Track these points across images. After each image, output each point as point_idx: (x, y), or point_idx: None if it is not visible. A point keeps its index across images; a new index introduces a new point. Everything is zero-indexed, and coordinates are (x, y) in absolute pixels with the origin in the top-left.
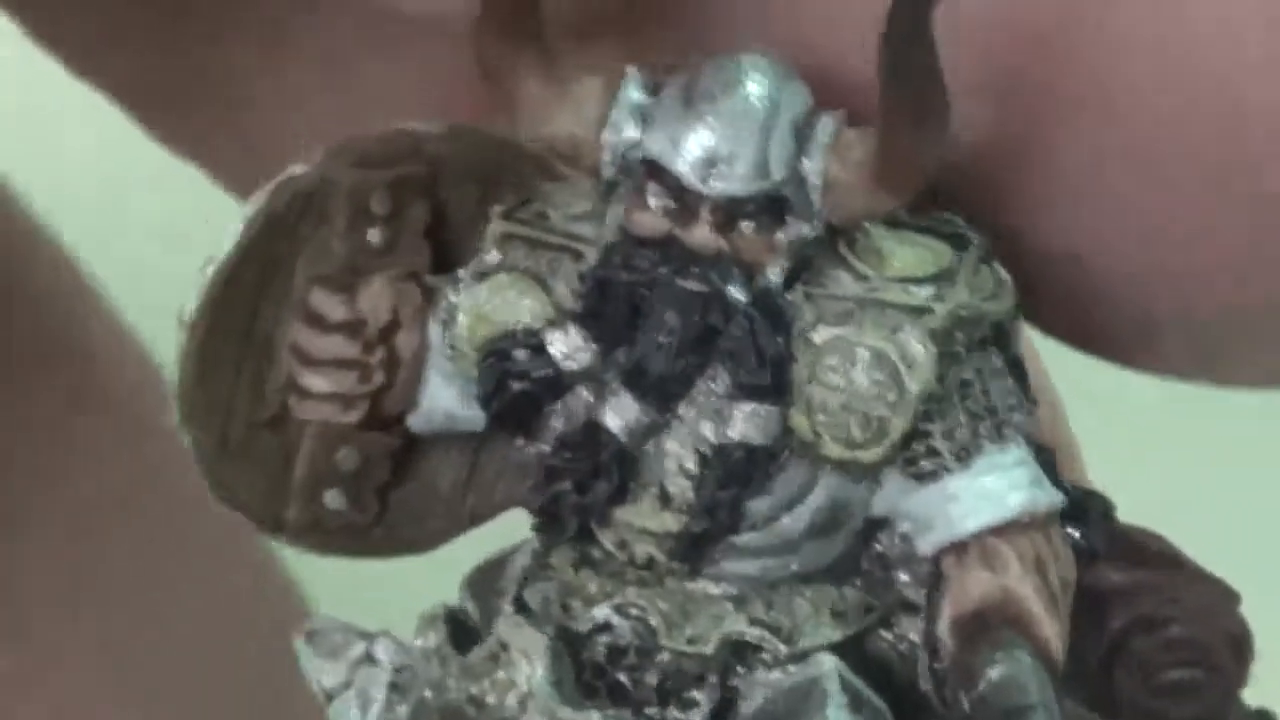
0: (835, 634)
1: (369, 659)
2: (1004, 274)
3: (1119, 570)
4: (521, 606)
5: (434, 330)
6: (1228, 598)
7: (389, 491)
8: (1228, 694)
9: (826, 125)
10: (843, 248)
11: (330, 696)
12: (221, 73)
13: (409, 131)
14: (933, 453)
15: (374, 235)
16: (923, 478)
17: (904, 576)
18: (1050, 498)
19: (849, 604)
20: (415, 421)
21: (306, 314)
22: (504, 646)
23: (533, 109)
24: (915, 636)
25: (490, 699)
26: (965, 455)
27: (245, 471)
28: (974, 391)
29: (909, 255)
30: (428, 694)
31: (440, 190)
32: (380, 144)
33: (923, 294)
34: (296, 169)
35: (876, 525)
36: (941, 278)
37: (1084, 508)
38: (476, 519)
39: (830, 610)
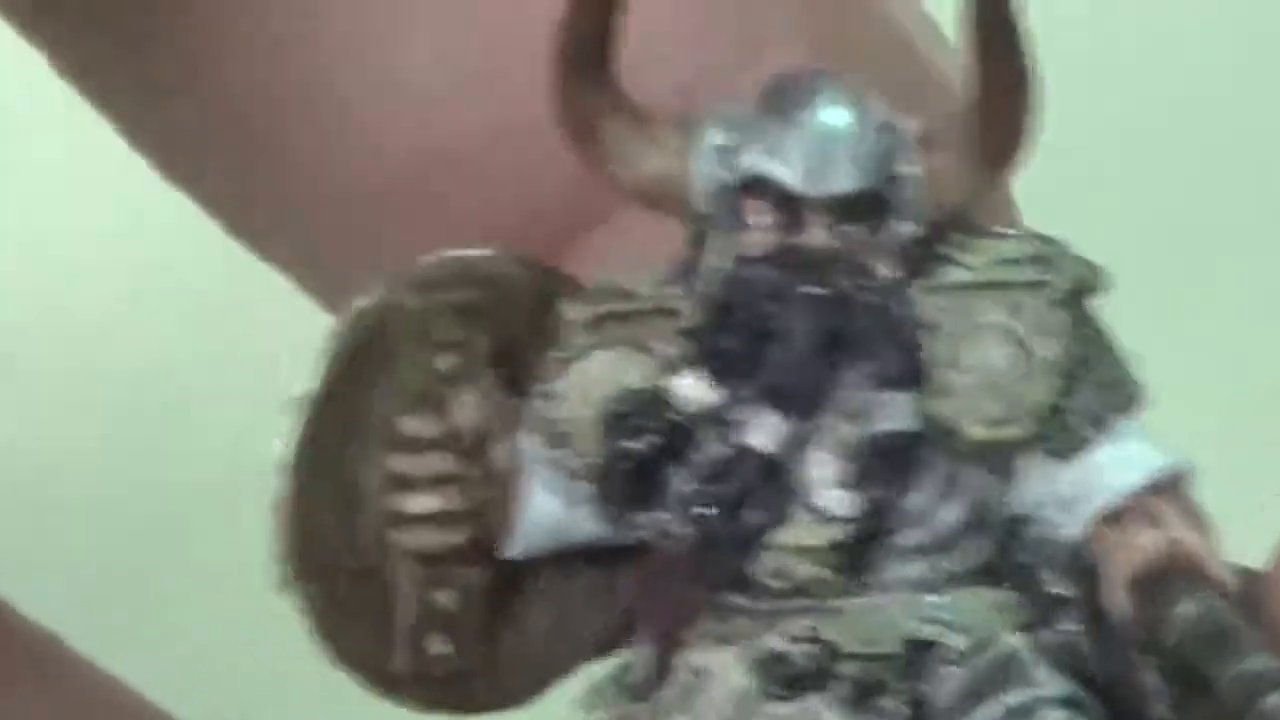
0: (1005, 626)
1: None
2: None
3: None
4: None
5: (527, 439)
6: None
7: (490, 637)
8: None
9: (908, 123)
10: (943, 247)
11: None
12: None
13: (462, 257)
14: (1070, 428)
15: (443, 362)
16: (1065, 455)
17: (1047, 575)
18: (1183, 458)
19: (1008, 601)
20: (518, 542)
21: (398, 440)
22: (697, 673)
23: (620, 153)
24: (1075, 628)
25: None
26: (1103, 425)
27: (351, 626)
28: (1098, 364)
29: (1007, 245)
30: None
31: (499, 316)
32: (438, 268)
33: (1032, 272)
34: (360, 300)
35: (1012, 534)
36: (1042, 258)
37: None
38: (570, 665)
39: (995, 607)
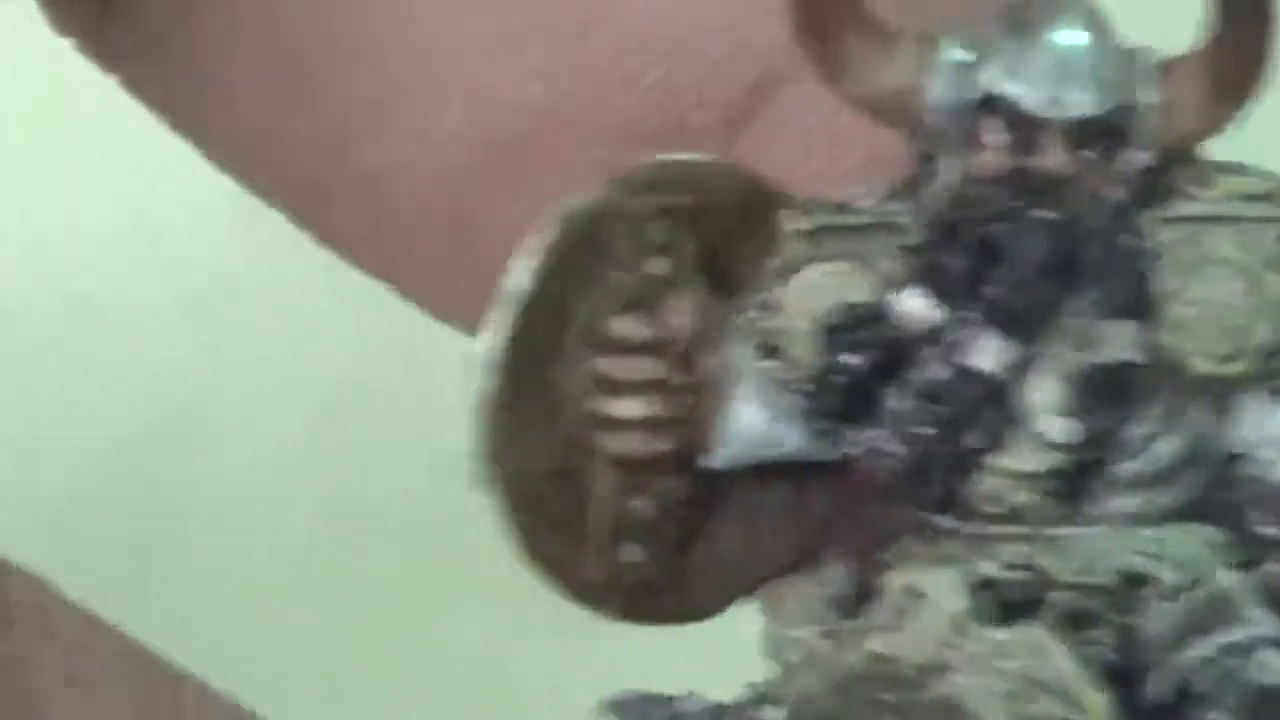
0: (1218, 563)
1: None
2: None
3: None
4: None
5: (738, 349)
6: None
7: (682, 549)
8: None
9: (1148, 50)
10: (1175, 179)
11: None
12: None
13: (679, 160)
14: None
15: (655, 265)
16: None
17: (1259, 515)
18: None
19: (1220, 539)
20: (723, 453)
21: (609, 342)
22: (912, 592)
23: (852, 65)
24: None
25: (902, 650)
26: None
27: (546, 530)
28: None
29: (1237, 180)
30: (812, 681)
31: (706, 223)
32: (654, 170)
33: (1266, 208)
34: (572, 199)
35: (1225, 472)
36: (1276, 196)
37: None
38: (759, 580)
39: (1207, 544)
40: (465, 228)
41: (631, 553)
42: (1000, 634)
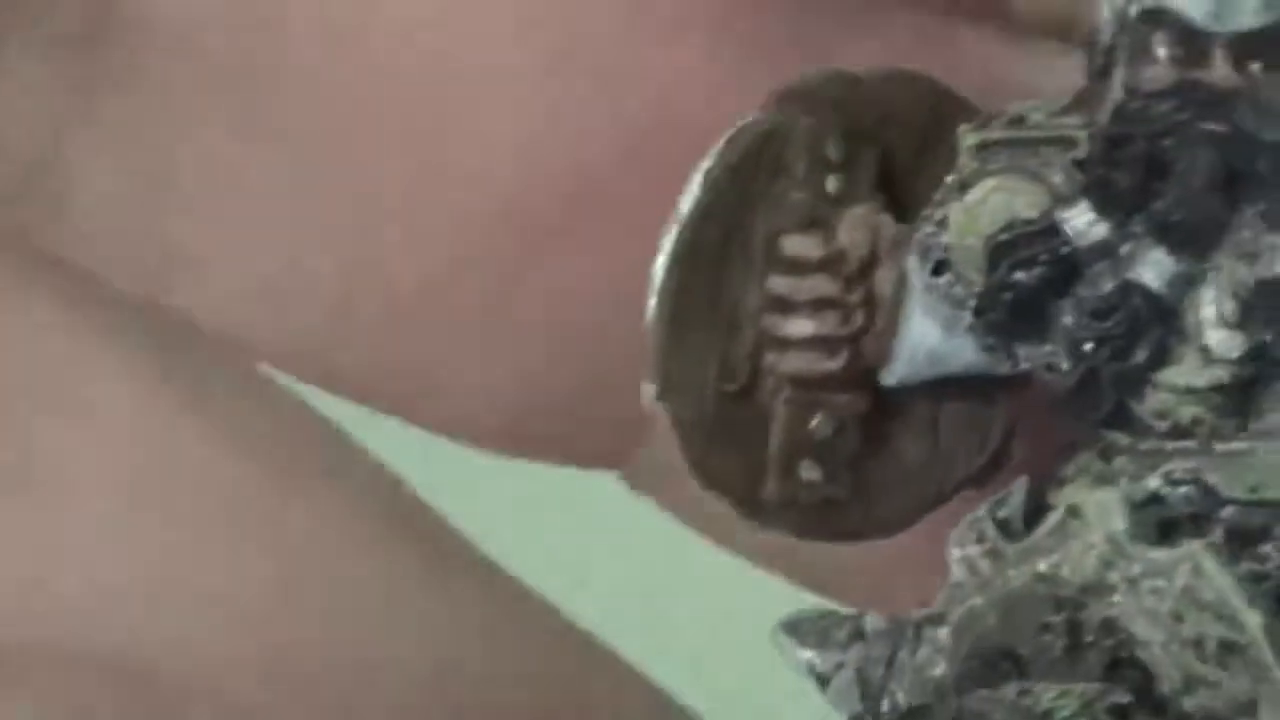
0: None
1: (859, 635)
2: None
3: None
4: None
5: (912, 265)
6: None
7: (861, 464)
8: None
9: None
10: None
11: (825, 681)
12: None
13: (853, 75)
14: None
15: (831, 183)
16: None
17: None
18: None
19: None
20: (896, 369)
21: (781, 261)
22: (1074, 512)
23: None
24: None
25: (1064, 571)
26: None
27: (722, 446)
28: None
29: None
30: (977, 601)
31: (885, 138)
32: (828, 86)
33: None
34: (748, 117)
35: None
36: None
37: None
38: (941, 496)
39: None
40: None
41: (809, 470)
42: (1159, 553)
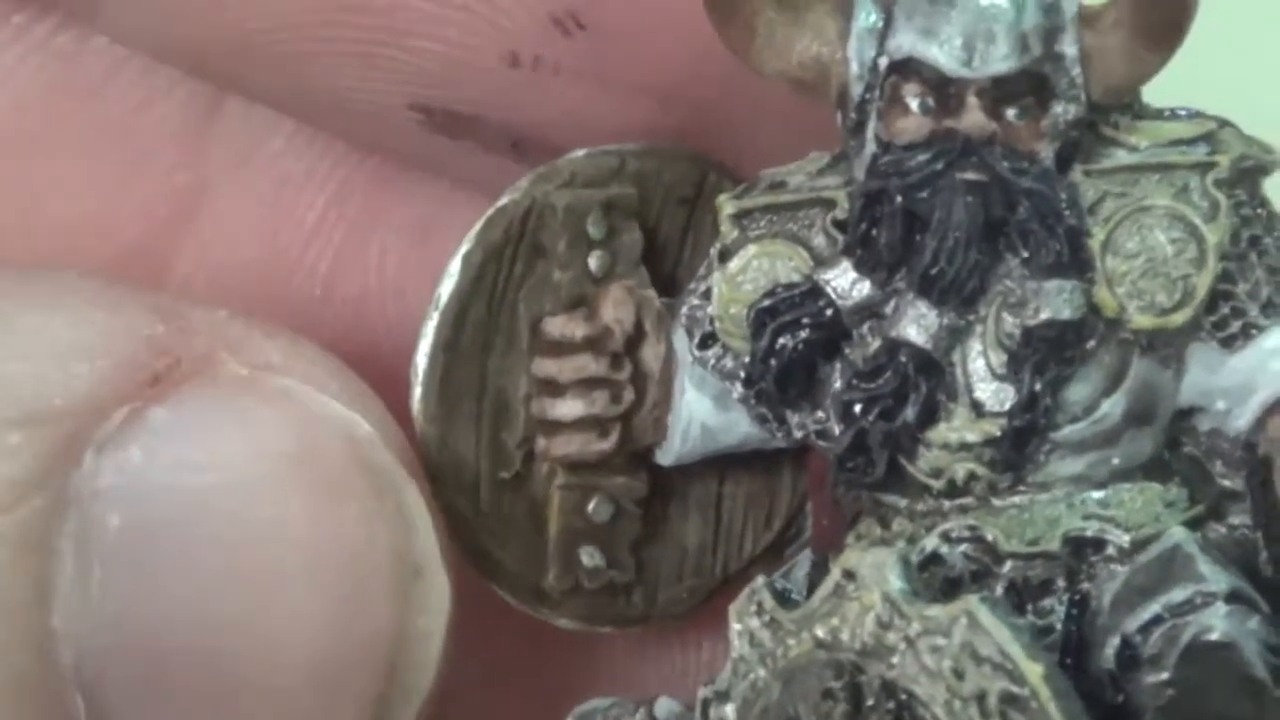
0: (1172, 522)
1: None
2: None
3: None
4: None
5: (679, 339)
6: None
7: (641, 549)
8: None
9: (1070, 1)
10: (1107, 130)
11: None
12: None
13: (612, 150)
14: (1239, 313)
15: (594, 261)
16: (1233, 342)
17: (1218, 467)
18: None
19: (1175, 496)
20: (671, 447)
21: (546, 344)
22: (849, 575)
23: (771, 37)
24: (1244, 520)
25: (843, 635)
26: (1273, 310)
27: (500, 536)
28: (1268, 246)
29: (1172, 126)
30: (759, 673)
31: (649, 213)
32: (586, 164)
33: (1199, 152)
34: (504, 198)
35: (1180, 428)
36: (1210, 138)
37: None
38: (728, 574)
39: (1161, 501)
40: None
41: (592, 556)
42: (935, 610)
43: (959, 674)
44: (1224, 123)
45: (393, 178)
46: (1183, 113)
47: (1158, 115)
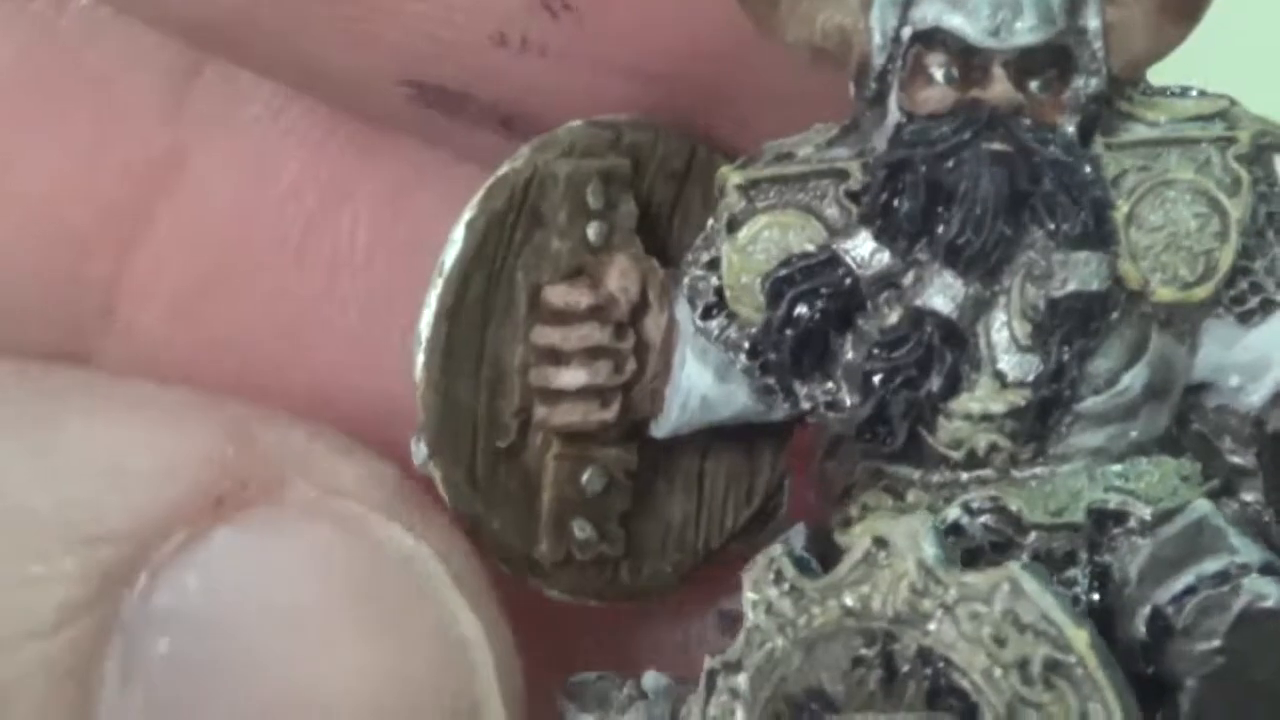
0: (1190, 495)
1: (639, 694)
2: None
3: None
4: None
5: (681, 310)
6: None
7: (630, 523)
8: None
9: None
10: (1124, 105)
11: None
12: None
13: (607, 121)
14: (1258, 288)
15: (591, 230)
16: (1251, 317)
17: (1227, 444)
18: None
19: (1190, 470)
20: (668, 419)
21: (548, 312)
22: (881, 543)
23: (795, 5)
24: (1256, 498)
25: (874, 603)
26: None
27: (494, 506)
28: None
29: (1189, 103)
30: (778, 642)
31: (640, 185)
32: (584, 134)
33: (1219, 127)
34: (506, 166)
35: (1188, 404)
36: (1227, 115)
37: None
38: (710, 552)
39: (1178, 475)
40: None
41: (583, 528)
42: (974, 577)
43: (1000, 641)
44: (1233, 100)
45: (371, 144)
46: (1192, 88)
47: (1169, 91)
